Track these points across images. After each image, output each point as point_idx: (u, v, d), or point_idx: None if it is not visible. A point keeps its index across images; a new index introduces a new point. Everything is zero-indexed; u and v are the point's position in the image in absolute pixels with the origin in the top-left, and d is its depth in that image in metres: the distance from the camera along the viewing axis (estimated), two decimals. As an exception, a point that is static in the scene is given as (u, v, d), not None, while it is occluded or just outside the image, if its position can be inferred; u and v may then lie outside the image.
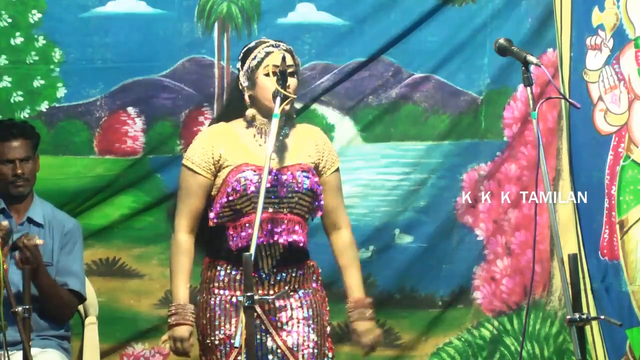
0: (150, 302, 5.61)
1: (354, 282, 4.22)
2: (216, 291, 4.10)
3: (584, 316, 3.53)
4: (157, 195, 5.60)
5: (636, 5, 5.37)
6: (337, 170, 4.26)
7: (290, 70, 4.04)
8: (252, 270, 3.67)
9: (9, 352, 4.27)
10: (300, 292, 4.13)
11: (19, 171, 4.88)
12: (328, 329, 4.22)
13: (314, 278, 4.20)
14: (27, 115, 5.46)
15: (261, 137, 4.12)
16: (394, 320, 5.73)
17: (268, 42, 4.14)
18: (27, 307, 4.01)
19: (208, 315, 4.11)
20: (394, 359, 5.74)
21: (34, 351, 4.55)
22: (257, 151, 4.09)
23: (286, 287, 4.09)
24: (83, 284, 5.01)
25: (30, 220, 4.95)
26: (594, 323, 5.49)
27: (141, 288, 5.62)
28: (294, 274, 4.12)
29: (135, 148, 5.56)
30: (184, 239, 4.14)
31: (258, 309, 4.02)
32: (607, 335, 5.49)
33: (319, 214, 4.21)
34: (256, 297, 3.64)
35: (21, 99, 5.47)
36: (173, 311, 4.09)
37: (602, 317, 3.87)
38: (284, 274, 4.10)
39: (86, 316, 5.15)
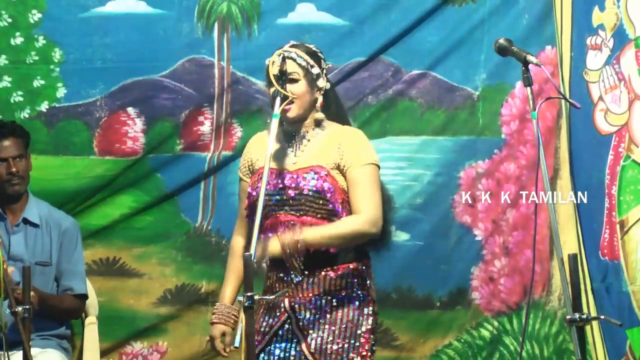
0: (149, 301, 5.63)
1: (318, 228, 4.01)
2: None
3: (584, 316, 3.53)
4: (157, 194, 5.61)
5: (636, 5, 5.37)
6: (362, 167, 4.07)
7: (290, 77, 4.04)
8: (252, 271, 3.66)
9: (9, 353, 4.29)
10: (331, 297, 4.08)
11: (14, 169, 4.89)
12: (367, 335, 4.11)
13: (355, 282, 4.13)
14: (27, 115, 5.46)
15: (286, 142, 4.13)
16: (391, 321, 5.72)
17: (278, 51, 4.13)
18: (27, 307, 4.01)
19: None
20: (392, 359, 5.74)
21: (34, 351, 4.56)
22: (280, 155, 4.10)
23: (319, 291, 4.07)
24: (86, 282, 5.03)
25: (25, 221, 4.95)
26: (594, 323, 5.49)
27: (141, 287, 5.63)
28: (322, 278, 4.08)
29: (135, 149, 5.57)
30: (236, 241, 4.27)
31: (289, 310, 4.06)
32: (607, 335, 5.49)
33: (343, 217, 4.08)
34: (256, 297, 3.63)
35: (21, 99, 5.47)
36: (214, 310, 4.22)
37: (602, 317, 3.85)
38: (315, 278, 4.07)
39: (86, 316, 5.16)
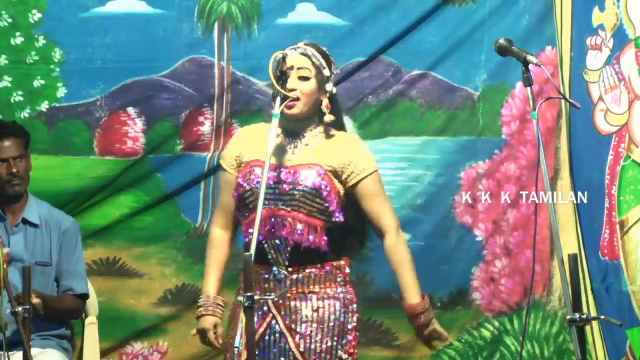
0: (150, 302, 5.62)
1: (403, 284, 4.15)
2: (241, 291, 4.10)
3: (584, 316, 3.53)
4: (157, 195, 5.60)
5: (636, 5, 5.37)
6: (370, 175, 4.14)
7: (302, 74, 4.03)
8: (251, 270, 3.66)
9: (9, 353, 4.28)
10: (316, 296, 4.09)
11: (14, 169, 4.88)
12: (353, 333, 4.16)
13: (338, 280, 4.14)
14: (27, 115, 5.46)
15: (285, 138, 4.12)
16: (392, 320, 5.73)
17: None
18: (27, 307, 4.01)
19: (231, 314, 4.14)
20: (393, 359, 5.74)
21: (34, 351, 4.56)
22: (277, 150, 4.07)
23: (304, 288, 4.07)
24: (86, 282, 5.03)
25: (25, 221, 4.95)
26: (594, 323, 5.49)
27: (141, 287, 5.63)
28: (310, 275, 4.09)
29: (135, 149, 5.56)
30: (216, 233, 4.21)
31: (274, 310, 4.05)
32: (607, 335, 5.49)
33: (338, 217, 4.11)
34: (256, 297, 3.63)
35: (21, 99, 5.47)
36: (200, 303, 4.14)
37: (602, 317, 3.86)
38: (300, 275, 4.08)
39: (86, 316, 5.16)
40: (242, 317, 3.65)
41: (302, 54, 4.05)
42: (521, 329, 5.73)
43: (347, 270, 4.17)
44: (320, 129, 4.15)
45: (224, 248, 4.21)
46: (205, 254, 4.22)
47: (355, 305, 4.16)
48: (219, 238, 4.21)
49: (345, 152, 4.12)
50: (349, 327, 4.12)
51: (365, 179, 4.12)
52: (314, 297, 4.09)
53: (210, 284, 4.15)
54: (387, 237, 4.15)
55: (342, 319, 4.11)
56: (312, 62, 4.07)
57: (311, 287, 4.09)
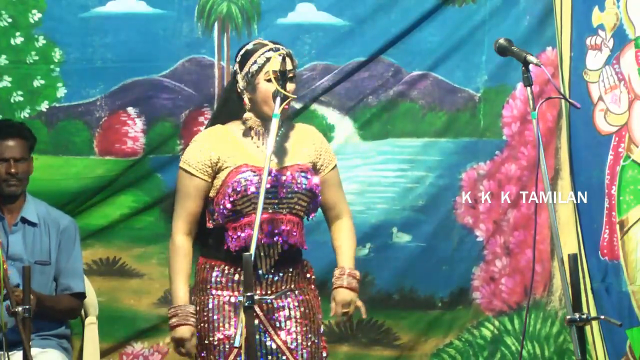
0: (150, 302, 5.62)
1: (347, 254, 4.23)
2: (213, 292, 4.09)
3: (584, 316, 3.53)
4: (157, 195, 5.60)
5: (636, 5, 5.37)
6: (335, 166, 4.26)
7: (289, 75, 4.03)
8: (252, 270, 3.67)
9: (9, 353, 4.28)
10: (296, 292, 4.14)
11: (13, 170, 4.86)
12: (322, 327, 4.22)
13: (307, 277, 4.20)
14: (27, 115, 5.46)
15: (259, 139, 4.12)
16: (393, 321, 5.73)
17: (267, 44, 4.10)
18: (27, 307, 4.01)
19: (206, 316, 4.11)
20: (394, 359, 5.74)
21: (34, 351, 4.55)
22: (255, 152, 4.08)
23: (284, 287, 4.09)
24: (84, 281, 5.02)
25: (24, 220, 4.94)
26: (594, 323, 5.49)
27: (141, 288, 5.62)
28: (290, 274, 4.12)
29: (135, 149, 5.56)
30: (182, 241, 4.11)
31: (257, 309, 4.03)
32: (607, 335, 5.50)
33: (313, 214, 4.20)
34: (256, 297, 3.64)
35: (21, 99, 5.47)
36: (173, 313, 4.07)
37: (602, 317, 3.86)
38: (281, 274, 4.10)
39: (86, 316, 5.15)
40: (242, 316, 3.66)
41: (286, 53, 4.05)
42: (521, 328, 5.73)
43: (312, 268, 4.24)
44: (286, 125, 4.19)
45: (189, 256, 4.12)
46: (170, 261, 4.12)
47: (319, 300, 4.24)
48: (184, 246, 4.10)
49: (317, 144, 4.20)
50: (319, 322, 4.18)
51: (334, 169, 4.23)
52: (295, 294, 4.12)
53: (182, 293, 4.06)
54: (346, 219, 4.27)
55: (318, 315, 4.18)
56: (292, 60, 4.08)
57: (292, 285, 4.12)
